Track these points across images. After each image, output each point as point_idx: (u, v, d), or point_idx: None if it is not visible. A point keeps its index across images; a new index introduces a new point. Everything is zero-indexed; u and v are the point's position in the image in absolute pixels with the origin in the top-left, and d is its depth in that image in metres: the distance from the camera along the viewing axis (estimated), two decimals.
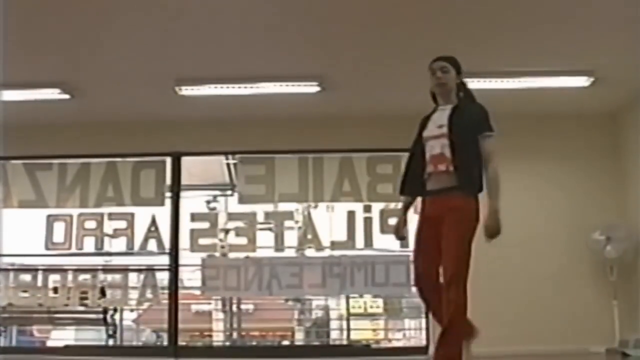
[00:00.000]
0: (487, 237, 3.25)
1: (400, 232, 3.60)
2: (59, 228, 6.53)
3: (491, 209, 3.23)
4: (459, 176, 3.26)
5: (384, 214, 6.05)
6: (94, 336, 6.99)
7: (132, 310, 7.44)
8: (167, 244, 6.44)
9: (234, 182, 7.04)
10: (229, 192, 7.60)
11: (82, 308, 6.57)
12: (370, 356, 6.25)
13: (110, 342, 6.95)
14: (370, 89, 5.96)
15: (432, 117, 3.46)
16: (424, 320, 6.29)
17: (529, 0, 4.55)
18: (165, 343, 6.51)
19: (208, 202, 8.20)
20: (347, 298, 7.46)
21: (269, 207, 6.48)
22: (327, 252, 6.13)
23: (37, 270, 6.51)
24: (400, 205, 3.64)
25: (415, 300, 6.51)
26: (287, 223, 6.34)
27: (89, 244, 6.51)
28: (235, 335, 7.95)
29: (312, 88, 5.84)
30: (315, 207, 6.77)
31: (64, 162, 6.62)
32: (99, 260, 6.62)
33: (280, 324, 9.02)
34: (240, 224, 6.47)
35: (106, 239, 6.54)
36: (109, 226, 6.53)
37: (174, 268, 6.41)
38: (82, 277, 6.47)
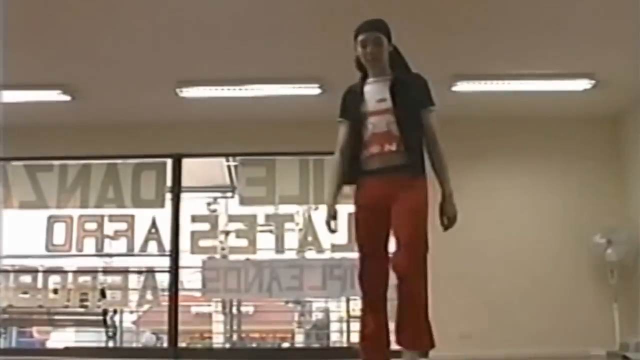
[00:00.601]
0: (445, 225, 3.03)
1: (334, 225, 3.11)
2: (59, 229, 6.52)
3: (447, 193, 3.02)
4: (409, 155, 2.91)
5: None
6: (94, 338, 6.98)
7: (132, 312, 7.44)
8: (167, 245, 6.43)
9: (235, 184, 7.03)
10: (229, 194, 7.59)
11: (82, 309, 6.57)
12: None
13: (110, 343, 6.95)
14: None
15: (365, 91, 3.05)
16: None
17: (530, 4, 4.54)
18: (165, 345, 6.49)
19: (208, 204, 8.19)
20: (348, 300, 7.44)
21: (270, 209, 6.48)
22: (327, 255, 6.12)
23: (37, 271, 6.50)
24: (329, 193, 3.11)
25: None
26: (288, 225, 6.33)
27: (89, 246, 6.50)
28: (235, 337, 7.94)
29: (312, 90, 5.84)
30: (316, 209, 6.77)
31: (65, 164, 6.61)
32: (99, 262, 6.61)
33: (280, 326, 9.02)
34: (240, 225, 6.46)
35: (106, 240, 6.53)
36: (109, 228, 6.52)
37: (174, 270, 6.40)
38: (82, 278, 6.46)
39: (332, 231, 3.13)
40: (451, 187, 3.02)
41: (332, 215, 3.05)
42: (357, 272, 3.01)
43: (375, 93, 3.02)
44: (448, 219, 3.02)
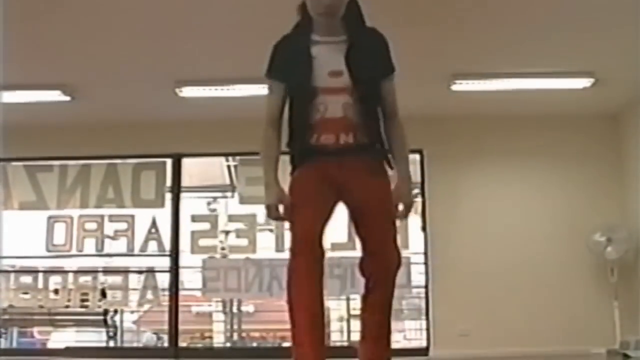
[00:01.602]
0: (400, 215, 2.39)
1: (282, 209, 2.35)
2: (60, 230, 6.54)
3: (404, 175, 2.40)
4: (372, 143, 2.37)
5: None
6: (95, 338, 6.99)
7: (132, 312, 7.44)
8: (167, 245, 6.45)
9: (235, 183, 7.04)
10: (229, 194, 7.60)
11: (82, 310, 6.58)
12: None
13: (111, 343, 6.97)
14: None
15: (313, 55, 2.33)
16: (424, 322, 6.29)
17: (529, 2, 4.54)
18: (166, 344, 6.51)
19: (208, 203, 8.19)
20: (348, 299, 7.45)
21: None
22: (327, 254, 6.13)
23: (37, 271, 6.52)
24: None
25: (416, 302, 6.52)
26: (287, 224, 6.33)
27: (90, 246, 6.52)
28: (235, 336, 7.95)
29: None
30: None
31: (65, 164, 6.63)
32: (99, 262, 6.63)
33: (280, 325, 9.00)
34: (240, 225, 6.48)
35: (107, 240, 6.56)
36: (109, 228, 6.55)
37: (174, 269, 6.42)
38: (82, 278, 6.48)
39: (280, 218, 2.36)
40: (409, 169, 2.44)
41: (279, 199, 2.31)
42: (287, 280, 2.24)
43: (327, 61, 2.32)
44: (405, 206, 2.37)
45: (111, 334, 6.95)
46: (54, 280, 6.48)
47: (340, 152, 2.30)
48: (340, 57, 2.32)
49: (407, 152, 2.45)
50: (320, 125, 2.31)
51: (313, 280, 2.23)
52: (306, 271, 2.22)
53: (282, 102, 2.39)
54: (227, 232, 6.63)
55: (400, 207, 2.38)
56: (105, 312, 6.82)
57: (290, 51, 2.39)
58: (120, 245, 6.55)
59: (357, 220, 2.39)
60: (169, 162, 6.62)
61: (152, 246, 6.48)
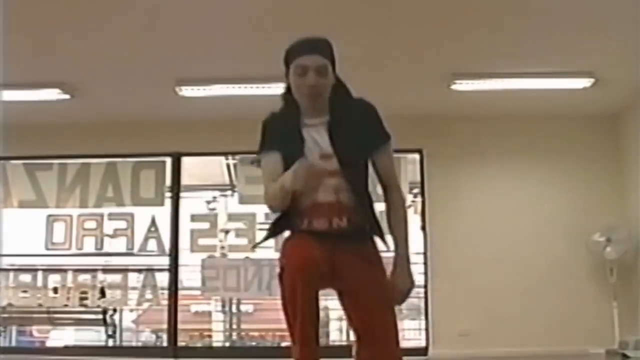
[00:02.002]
0: (396, 300, 2.19)
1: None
2: (59, 228, 6.54)
3: (402, 256, 2.22)
4: (365, 224, 2.21)
5: (382, 214, 6.04)
6: (94, 336, 6.99)
7: (131, 311, 7.44)
8: (167, 244, 6.45)
9: (234, 182, 7.04)
10: (228, 193, 7.60)
11: (81, 308, 6.58)
12: None
13: (110, 342, 6.95)
14: (370, 88, 5.95)
15: (303, 137, 2.22)
16: (423, 322, 6.29)
17: (529, 2, 4.54)
18: (165, 343, 6.51)
19: (208, 202, 8.19)
20: None
21: None
22: None
23: (36, 270, 6.52)
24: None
25: (415, 302, 6.51)
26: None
27: (89, 244, 6.52)
28: (234, 335, 7.95)
29: None
30: None
31: (64, 162, 6.63)
32: (98, 261, 6.62)
33: (280, 325, 8.99)
34: (240, 224, 6.48)
35: (106, 239, 6.56)
36: (108, 226, 6.55)
37: (173, 268, 6.42)
38: (81, 277, 6.48)
39: (327, 156, 2.18)
40: (409, 250, 2.24)
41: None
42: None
43: (316, 144, 2.20)
44: (401, 293, 2.18)
45: (110, 332, 6.94)
46: (53, 279, 6.48)
47: (334, 236, 2.14)
48: (325, 137, 2.21)
49: (406, 229, 2.26)
50: (312, 210, 2.16)
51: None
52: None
53: (282, 163, 2.20)
54: (226, 231, 6.63)
55: (397, 295, 2.18)
56: (105, 311, 6.81)
57: (282, 132, 2.26)
58: (120, 244, 6.54)
59: (349, 309, 2.19)
60: (168, 161, 6.62)
61: (152, 245, 6.48)
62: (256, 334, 9.09)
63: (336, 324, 8.25)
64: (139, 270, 6.48)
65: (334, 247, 2.13)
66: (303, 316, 1.98)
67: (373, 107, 2.30)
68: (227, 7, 4.57)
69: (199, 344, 7.79)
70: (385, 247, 2.25)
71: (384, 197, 2.31)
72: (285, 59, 2.26)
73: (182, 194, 6.61)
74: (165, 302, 6.37)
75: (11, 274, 6.57)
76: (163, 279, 6.44)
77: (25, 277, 6.53)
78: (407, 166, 6.46)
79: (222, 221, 6.70)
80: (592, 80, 5.70)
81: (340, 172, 2.17)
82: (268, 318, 8.48)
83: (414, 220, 6.29)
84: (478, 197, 6.44)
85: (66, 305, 6.49)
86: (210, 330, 7.97)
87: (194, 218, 6.53)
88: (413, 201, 6.63)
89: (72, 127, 6.47)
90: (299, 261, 2.01)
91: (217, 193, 7.70)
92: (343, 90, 2.32)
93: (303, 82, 2.19)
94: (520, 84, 5.78)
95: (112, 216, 6.54)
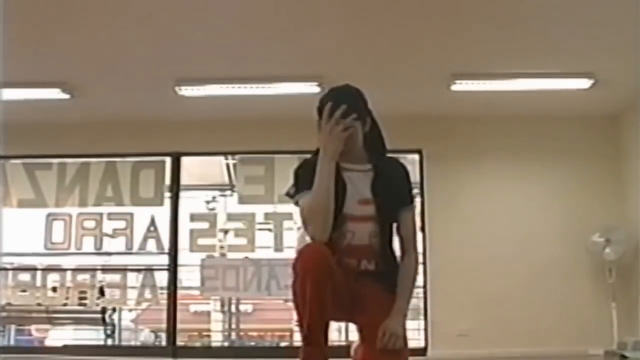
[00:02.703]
0: (384, 341, 2.18)
1: None
2: (58, 227, 6.54)
3: (399, 309, 2.29)
4: (387, 274, 2.35)
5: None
6: (93, 336, 6.99)
7: (130, 310, 7.44)
8: (166, 244, 6.45)
9: (234, 182, 7.04)
10: (228, 193, 7.60)
11: (80, 308, 6.58)
12: None
13: (109, 341, 6.96)
14: (371, 88, 5.96)
15: (344, 182, 2.31)
16: (422, 322, 6.29)
17: (529, 2, 4.54)
18: (164, 343, 6.51)
19: (207, 202, 8.20)
20: None
21: (268, 208, 6.48)
22: None
23: (36, 269, 6.52)
24: None
25: (414, 301, 6.51)
26: (287, 223, 6.34)
27: (88, 244, 6.52)
28: (233, 335, 7.95)
29: (311, 88, 5.83)
30: None
31: (64, 162, 6.63)
32: (98, 260, 6.62)
33: (279, 325, 9.01)
34: (239, 224, 6.48)
35: (105, 238, 6.55)
36: (108, 226, 6.54)
37: (172, 268, 6.42)
38: (81, 276, 6.48)
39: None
40: (407, 306, 2.34)
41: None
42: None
43: (355, 189, 2.33)
44: (390, 336, 2.19)
45: (109, 332, 6.95)
46: (52, 278, 6.48)
47: (359, 276, 2.31)
48: (366, 185, 2.35)
49: (412, 287, 2.38)
50: (346, 251, 2.31)
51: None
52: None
53: None
54: (226, 231, 6.63)
55: (385, 336, 2.19)
56: (104, 310, 6.82)
57: (308, 175, 2.29)
58: (119, 243, 6.54)
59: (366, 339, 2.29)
60: (168, 160, 6.62)
61: (151, 244, 6.48)
62: (255, 333, 9.10)
63: (335, 324, 8.27)
64: (138, 270, 6.48)
65: (356, 279, 2.29)
66: (311, 308, 2.06)
67: (407, 168, 2.48)
68: (227, 7, 4.57)
69: (198, 344, 7.79)
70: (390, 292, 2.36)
71: (400, 252, 2.43)
72: (318, 109, 2.37)
73: (181, 194, 6.61)
74: (165, 302, 6.37)
75: (10, 273, 6.57)
76: (162, 278, 6.44)
77: (25, 277, 6.53)
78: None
79: (221, 221, 6.70)
80: (592, 80, 5.70)
81: (377, 218, 2.33)
82: (267, 318, 8.51)
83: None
84: (477, 197, 6.44)
85: (65, 305, 6.49)
86: (209, 330, 7.98)
87: (193, 218, 6.53)
88: None
89: (72, 127, 6.47)
90: (312, 254, 2.12)
91: (216, 193, 7.71)
92: (381, 140, 2.50)
93: (333, 135, 2.25)
94: (520, 85, 5.78)
95: (111, 216, 6.53)
